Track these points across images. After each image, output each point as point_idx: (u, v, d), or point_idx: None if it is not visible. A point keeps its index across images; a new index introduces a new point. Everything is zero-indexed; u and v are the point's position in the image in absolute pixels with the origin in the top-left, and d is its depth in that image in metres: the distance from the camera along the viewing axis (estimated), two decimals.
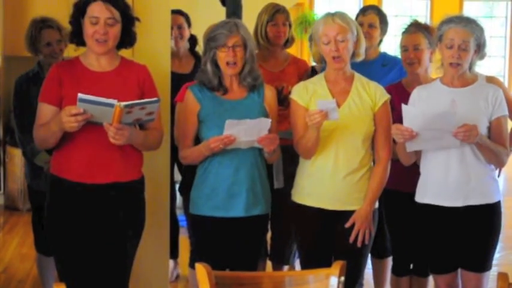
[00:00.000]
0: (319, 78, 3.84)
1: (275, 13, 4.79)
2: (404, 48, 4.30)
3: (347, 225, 3.73)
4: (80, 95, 3.25)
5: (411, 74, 4.32)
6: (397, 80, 4.46)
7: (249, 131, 3.62)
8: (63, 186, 3.53)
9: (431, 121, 3.55)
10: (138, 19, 3.68)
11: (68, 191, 3.53)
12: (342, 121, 3.65)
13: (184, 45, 5.55)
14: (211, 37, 3.77)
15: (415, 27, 4.31)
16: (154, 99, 3.42)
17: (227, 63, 3.75)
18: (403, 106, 3.62)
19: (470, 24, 3.70)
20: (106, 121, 3.32)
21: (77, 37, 3.56)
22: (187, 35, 5.56)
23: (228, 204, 3.79)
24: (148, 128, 3.62)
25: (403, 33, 4.35)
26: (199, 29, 5.14)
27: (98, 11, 3.47)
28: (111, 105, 3.25)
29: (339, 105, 3.68)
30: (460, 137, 3.54)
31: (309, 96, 3.73)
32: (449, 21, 3.73)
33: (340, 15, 3.72)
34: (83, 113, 3.27)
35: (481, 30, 3.74)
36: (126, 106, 3.26)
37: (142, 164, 3.69)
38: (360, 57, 3.81)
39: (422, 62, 4.26)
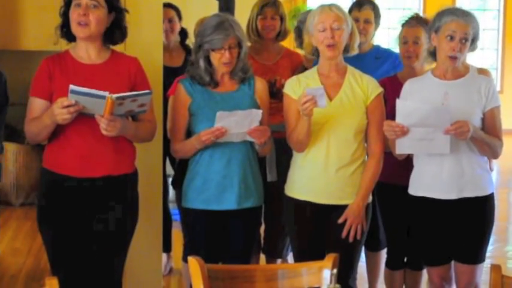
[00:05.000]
0: (312, 72, 3.84)
1: (264, 6, 4.78)
2: (404, 40, 4.29)
3: (340, 221, 3.72)
4: (72, 87, 3.24)
5: (407, 67, 4.31)
6: (390, 72, 4.45)
7: (240, 122, 3.61)
8: (56, 180, 3.52)
9: (425, 116, 3.53)
10: (126, 10, 3.67)
11: (61, 185, 3.52)
12: (334, 114, 3.65)
13: (175, 38, 5.55)
14: (207, 41, 3.74)
15: (416, 21, 4.30)
16: (146, 91, 3.42)
17: (222, 63, 3.75)
18: (397, 101, 3.61)
19: (470, 16, 3.70)
20: (98, 113, 3.31)
21: (66, 29, 3.54)
22: (178, 28, 5.56)
23: (219, 197, 3.78)
24: (141, 120, 3.61)
25: (403, 25, 4.34)
26: (191, 23, 5.13)
27: None
28: (103, 97, 3.25)
29: (331, 99, 3.68)
30: (452, 134, 3.53)
31: (302, 89, 3.71)
32: (450, 12, 3.71)
33: (336, 6, 3.72)
34: (75, 105, 3.27)
35: (477, 23, 3.73)
36: (117, 98, 3.25)
37: (135, 157, 3.68)
38: (354, 52, 3.80)
39: (420, 56, 4.24)
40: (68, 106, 3.27)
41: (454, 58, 3.69)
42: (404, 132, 3.57)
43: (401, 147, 3.67)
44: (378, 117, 3.74)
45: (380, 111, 3.77)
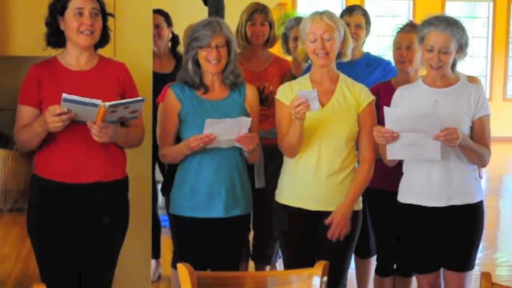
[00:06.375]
0: (304, 79, 3.84)
1: (253, 13, 4.79)
2: (397, 45, 4.28)
3: (326, 222, 3.71)
4: (64, 95, 3.22)
5: (401, 73, 4.30)
6: (381, 80, 4.45)
7: (229, 129, 3.61)
8: (47, 187, 3.50)
9: (414, 121, 3.53)
10: (112, 15, 3.66)
11: (51, 191, 3.49)
12: (325, 121, 3.65)
13: (164, 44, 5.53)
14: (195, 37, 3.75)
15: (411, 27, 4.29)
16: (139, 98, 3.40)
17: (209, 61, 3.73)
18: (385, 108, 3.60)
19: (450, 27, 3.67)
20: (90, 120, 3.30)
21: (55, 37, 3.52)
22: (166, 34, 5.54)
23: (207, 205, 3.77)
24: (130, 125, 3.59)
25: (398, 31, 4.34)
26: (181, 29, 5.12)
27: (81, 2, 3.44)
28: (96, 105, 3.23)
29: (323, 105, 3.68)
30: (441, 140, 3.53)
31: (294, 96, 3.72)
32: (429, 23, 3.70)
33: (328, 14, 3.72)
34: (67, 112, 3.25)
35: (462, 31, 3.71)
36: (110, 106, 3.24)
37: (126, 163, 3.67)
38: (347, 58, 3.81)
39: (414, 61, 4.23)
40: (60, 114, 3.25)
41: (436, 67, 3.70)
42: (394, 137, 3.57)
43: (392, 153, 3.66)
44: (369, 125, 3.73)
45: (372, 119, 3.77)
